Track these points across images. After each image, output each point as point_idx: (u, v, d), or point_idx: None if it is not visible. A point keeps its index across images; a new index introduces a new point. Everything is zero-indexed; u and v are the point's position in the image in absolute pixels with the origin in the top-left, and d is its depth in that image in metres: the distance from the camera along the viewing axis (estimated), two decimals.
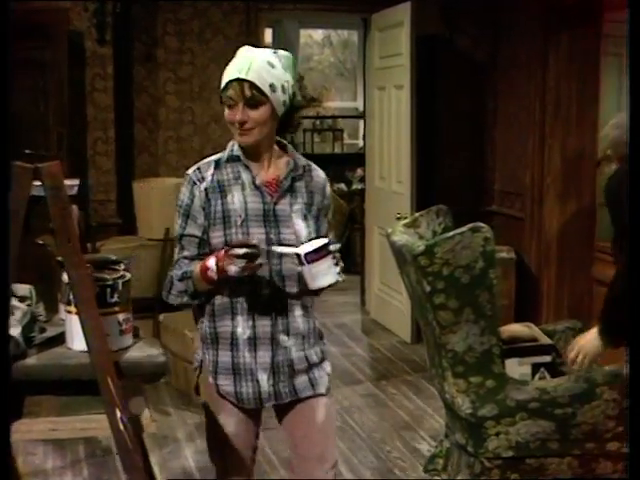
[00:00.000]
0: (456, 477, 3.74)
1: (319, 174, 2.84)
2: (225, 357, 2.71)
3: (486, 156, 7.18)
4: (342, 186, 10.06)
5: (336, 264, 2.51)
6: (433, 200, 4.70)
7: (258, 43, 6.93)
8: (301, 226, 2.71)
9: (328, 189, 2.86)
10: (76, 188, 3.37)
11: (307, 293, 2.71)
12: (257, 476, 4.21)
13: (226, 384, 2.72)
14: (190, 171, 2.75)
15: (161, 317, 5.64)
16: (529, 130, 6.53)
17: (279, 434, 4.65)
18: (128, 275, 2.55)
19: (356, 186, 9.81)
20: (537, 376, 3.74)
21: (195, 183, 2.70)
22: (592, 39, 6.37)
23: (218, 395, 2.76)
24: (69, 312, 2.43)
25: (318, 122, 12.34)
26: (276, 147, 2.77)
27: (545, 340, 3.92)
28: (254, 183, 2.68)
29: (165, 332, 5.59)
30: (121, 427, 2.27)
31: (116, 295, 2.45)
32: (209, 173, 2.70)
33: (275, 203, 2.69)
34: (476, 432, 3.56)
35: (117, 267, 2.60)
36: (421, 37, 6.63)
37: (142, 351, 2.50)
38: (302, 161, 2.81)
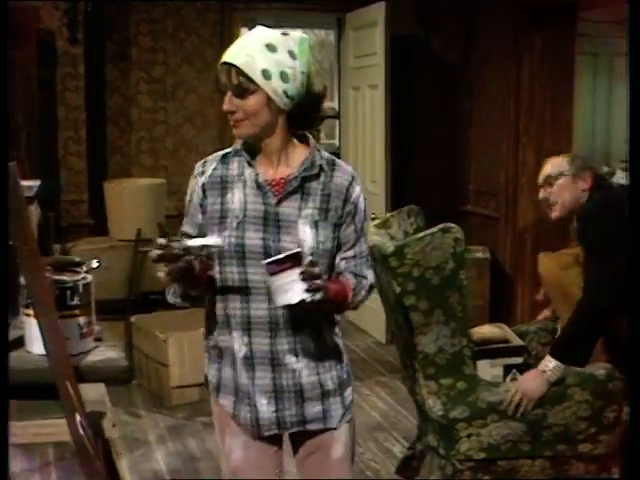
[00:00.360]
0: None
1: (342, 174, 2.42)
2: (227, 374, 2.42)
3: (461, 156, 7.17)
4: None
5: (304, 279, 2.13)
6: (408, 200, 4.65)
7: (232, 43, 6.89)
8: (307, 234, 2.32)
9: (355, 192, 2.41)
10: (35, 189, 3.30)
11: (321, 308, 2.31)
12: None
13: (227, 405, 2.44)
14: (197, 163, 2.47)
15: (133, 319, 5.59)
16: (503, 130, 6.53)
17: None
18: (89, 277, 2.51)
19: None
20: (509, 378, 3.71)
21: (196, 177, 2.43)
22: (566, 38, 6.38)
23: (222, 414, 2.48)
24: (27, 315, 2.38)
25: None
26: (296, 142, 2.41)
27: (517, 341, 3.90)
28: (257, 181, 2.35)
29: (137, 334, 5.54)
30: (81, 432, 2.23)
31: (76, 298, 2.41)
32: (211, 167, 2.41)
33: (278, 205, 2.34)
34: (447, 434, 3.53)
35: (79, 269, 2.55)
36: (396, 37, 6.60)
37: (103, 355, 2.46)
38: (323, 159, 2.41)
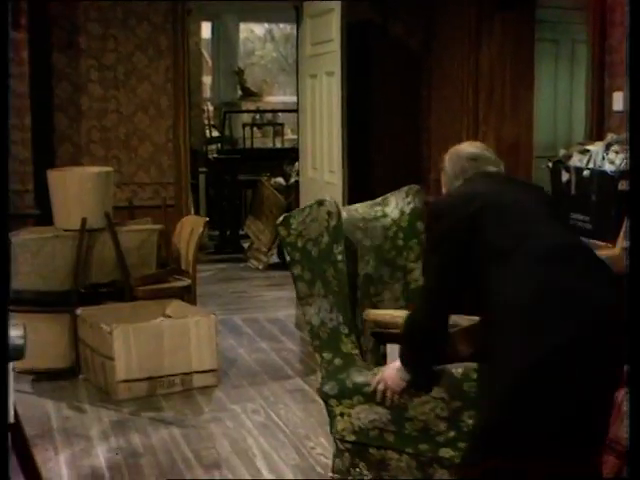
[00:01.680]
0: None
1: None
2: None
3: (421, 145, 7.02)
4: (280, 180, 9.84)
5: None
6: (369, 189, 4.56)
7: (184, 29, 6.73)
8: None
9: None
10: None
11: None
12: (173, 476, 4.03)
13: None
14: None
15: (79, 311, 5.38)
16: (462, 118, 6.40)
17: (197, 432, 4.52)
18: None
19: (294, 179, 9.60)
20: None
21: None
22: (526, 24, 6.27)
23: None
24: None
25: (258, 117, 12.14)
26: None
27: None
28: None
29: (83, 326, 5.34)
30: None
31: None
32: None
33: None
34: (327, 410, 3.44)
35: None
36: (354, 24, 6.47)
37: None
38: None
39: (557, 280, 2.58)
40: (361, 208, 3.77)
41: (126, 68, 6.65)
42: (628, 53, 2.47)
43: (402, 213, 3.69)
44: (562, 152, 4.68)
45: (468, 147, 3.31)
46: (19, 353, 2.23)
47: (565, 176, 4.54)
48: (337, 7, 6.26)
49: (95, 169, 5.96)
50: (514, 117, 6.28)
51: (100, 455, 4.24)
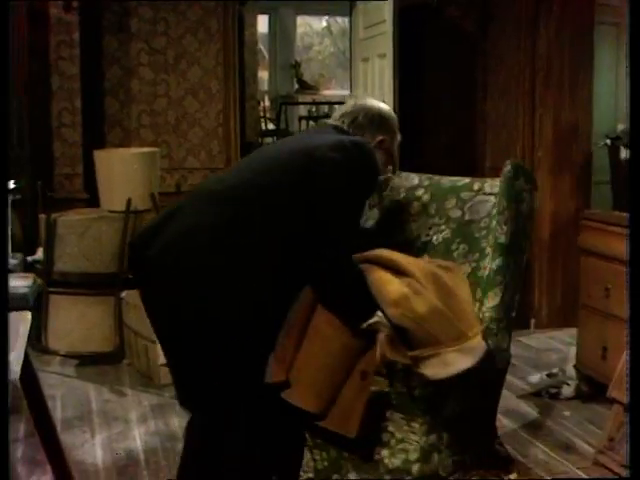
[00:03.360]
0: None
1: None
2: None
3: (476, 131, 6.81)
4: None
5: None
6: None
7: (235, 12, 6.64)
8: None
9: None
10: None
11: None
12: None
13: None
14: None
15: (123, 294, 5.31)
16: (519, 101, 6.18)
17: None
18: None
19: None
20: None
21: None
22: (585, 6, 6.03)
23: None
24: None
25: (314, 109, 12.03)
26: None
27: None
28: None
29: (127, 310, 5.27)
30: None
31: None
32: None
33: None
34: None
35: None
36: (407, 6, 6.30)
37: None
38: None
39: None
40: (491, 181, 3.38)
41: (176, 52, 6.58)
42: (628, 53, 2.34)
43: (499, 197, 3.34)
44: (620, 127, 4.46)
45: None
46: (24, 302, 2.12)
47: (624, 153, 4.33)
48: None
49: (140, 149, 5.90)
50: (572, 100, 6.03)
51: (137, 438, 4.16)
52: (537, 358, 5.35)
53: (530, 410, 4.46)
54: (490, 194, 3.26)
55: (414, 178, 3.55)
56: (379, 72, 6.40)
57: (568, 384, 4.61)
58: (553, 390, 4.62)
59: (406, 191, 3.51)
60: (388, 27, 6.14)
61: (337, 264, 2.72)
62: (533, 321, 6.09)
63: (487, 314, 3.09)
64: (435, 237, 3.34)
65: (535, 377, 4.82)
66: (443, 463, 2.95)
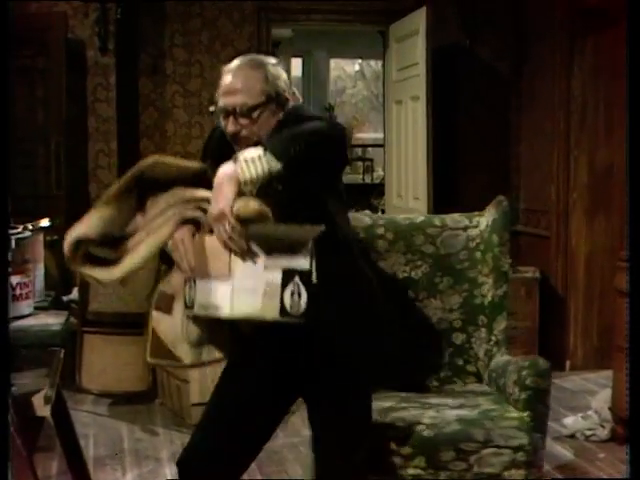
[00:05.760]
0: None
1: None
2: None
3: (510, 172, 6.79)
4: (367, 212, 9.73)
5: None
6: None
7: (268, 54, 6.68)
8: None
9: None
10: None
11: None
12: None
13: None
14: None
15: None
16: (553, 142, 6.16)
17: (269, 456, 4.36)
18: (27, 233, 2.22)
19: (380, 211, 9.48)
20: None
21: None
22: (619, 44, 6.01)
23: None
24: None
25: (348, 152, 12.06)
26: None
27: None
28: None
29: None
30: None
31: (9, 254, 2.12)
32: None
33: None
34: None
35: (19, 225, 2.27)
36: (440, 47, 6.33)
37: (38, 320, 2.16)
38: None
39: None
40: (451, 216, 3.61)
41: (210, 94, 6.61)
42: (628, 53, 2.46)
43: (487, 225, 3.54)
44: None
45: None
46: (56, 339, 2.13)
47: None
48: (422, 28, 6.14)
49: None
50: (607, 141, 6.01)
51: (168, 476, 4.13)
52: (572, 400, 5.28)
53: (565, 452, 4.40)
54: (457, 229, 3.55)
55: (364, 218, 3.62)
56: (412, 114, 6.41)
57: (603, 426, 4.54)
58: (589, 432, 4.55)
59: (364, 231, 3.53)
60: (421, 69, 6.16)
61: None
62: (568, 363, 6.02)
63: (500, 337, 3.46)
64: (414, 272, 3.50)
65: (570, 419, 4.75)
66: None
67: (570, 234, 6.11)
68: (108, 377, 5.43)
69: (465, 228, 3.54)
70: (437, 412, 3.08)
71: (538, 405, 3.07)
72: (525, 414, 3.05)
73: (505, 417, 3.06)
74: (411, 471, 2.96)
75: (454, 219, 3.59)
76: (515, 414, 3.06)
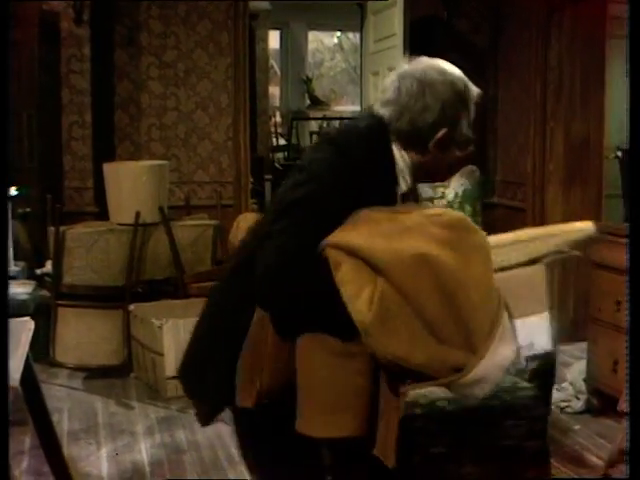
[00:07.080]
0: None
1: None
2: None
3: (486, 144, 6.78)
4: None
5: None
6: None
7: (245, 25, 6.64)
8: None
9: None
10: None
11: None
12: (216, 473, 3.89)
13: None
14: None
15: (131, 307, 5.30)
16: (530, 114, 6.15)
17: None
18: None
19: None
20: None
21: None
22: (597, 20, 6.00)
23: None
24: None
25: (326, 125, 12.04)
26: None
27: None
28: None
29: (134, 322, 5.26)
30: None
31: None
32: None
33: None
34: None
35: None
36: (417, 19, 6.29)
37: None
38: None
39: None
40: (425, 187, 3.60)
41: (186, 65, 6.57)
42: (628, 53, 2.39)
43: (456, 195, 3.54)
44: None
45: None
46: (24, 308, 2.11)
47: None
48: (400, 1, 6.11)
49: (149, 162, 5.90)
50: (584, 114, 6.01)
51: (143, 450, 4.13)
52: None
53: None
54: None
55: None
56: None
57: (578, 398, 4.57)
58: (563, 404, 4.57)
59: None
60: (399, 40, 6.14)
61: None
62: None
63: None
64: None
65: None
66: None
67: (546, 206, 6.11)
68: (82, 351, 5.42)
69: (431, 199, 3.51)
70: None
71: (546, 374, 3.06)
72: (533, 385, 3.04)
73: (519, 388, 3.04)
74: (436, 450, 2.94)
75: (427, 190, 3.57)
76: (526, 384, 3.05)
